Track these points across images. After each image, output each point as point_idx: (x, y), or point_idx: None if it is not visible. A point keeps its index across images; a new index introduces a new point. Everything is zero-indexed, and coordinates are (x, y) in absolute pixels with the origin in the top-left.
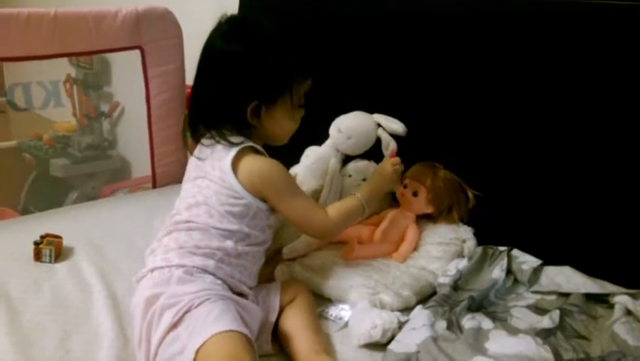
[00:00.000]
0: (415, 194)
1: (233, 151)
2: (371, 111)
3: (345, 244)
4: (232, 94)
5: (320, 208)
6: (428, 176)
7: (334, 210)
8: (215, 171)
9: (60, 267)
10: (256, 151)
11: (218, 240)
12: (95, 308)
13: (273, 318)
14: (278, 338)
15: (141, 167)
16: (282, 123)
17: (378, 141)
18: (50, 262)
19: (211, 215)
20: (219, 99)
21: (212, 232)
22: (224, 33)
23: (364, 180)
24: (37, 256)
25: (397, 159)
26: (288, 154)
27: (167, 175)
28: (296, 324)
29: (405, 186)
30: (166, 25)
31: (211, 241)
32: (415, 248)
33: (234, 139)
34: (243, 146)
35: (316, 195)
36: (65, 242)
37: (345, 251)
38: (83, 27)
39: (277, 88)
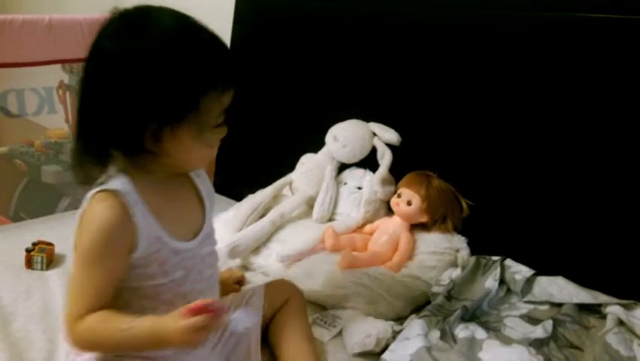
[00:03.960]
0: (409, 203)
1: (92, 193)
2: (367, 120)
3: (341, 253)
4: (122, 112)
5: (87, 307)
6: (422, 185)
7: (92, 323)
8: None
9: (51, 274)
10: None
11: None
12: None
13: (257, 332)
14: (269, 344)
15: None
16: (191, 149)
17: (374, 149)
18: (42, 269)
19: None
20: (105, 119)
21: None
22: (115, 31)
23: (359, 188)
24: (29, 263)
25: (201, 319)
26: (283, 162)
27: None
28: (287, 332)
29: (399, 195)
30: None
31: None
32: (410, 257)
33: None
34: (101, 188)
35: (311, 201)
36: (57, 249)
37: (341, 260)
38: (78, 33)
39: (181, 104)
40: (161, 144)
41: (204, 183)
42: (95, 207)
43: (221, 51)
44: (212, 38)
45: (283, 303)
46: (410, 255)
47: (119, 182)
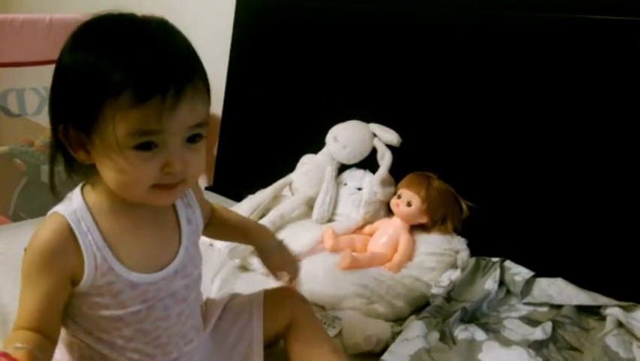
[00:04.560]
0: (409, 204)
1: (49, 213)
2: (367, 121)
3: (340, 253)
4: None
5: (18, 323)
6: (422, 186)
7: (9, 340)
8: None
9: None
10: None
11: None
12: None
13: (259, 357)
14: None
15: None
16: (104, 167)
17: (374, 150)
18: None
19: None
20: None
21: None
22: (67, 40)
23: (359, 189)
24: None
25: None
26: (283, 162)
27: None
28: (311, 354)
29: (399, 196)
30: None
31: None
32: (410, 258)
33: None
34: (55, 210)
35: (311, 202)
36: None
37: (341, 261)
38: None
39: (78, 105)
40: (87, 156)
41: (189, 207)
42: (42, 228)
43: (138, 56)
44: (137, 40)
45: (290, 320)
46: (410, 256)
47: (74, 206)
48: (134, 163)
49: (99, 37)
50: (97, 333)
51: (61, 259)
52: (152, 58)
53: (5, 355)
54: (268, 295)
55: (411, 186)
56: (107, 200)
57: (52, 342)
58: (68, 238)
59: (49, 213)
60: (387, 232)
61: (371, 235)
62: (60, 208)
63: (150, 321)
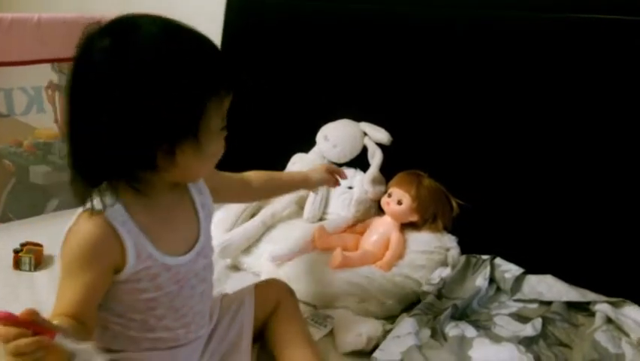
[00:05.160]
0: (400, 202)
1: (80, 210)
2: (358, 120)
3: (331, 252)
4: (132, 137)
5: (59, 312)
6: (413, 184)
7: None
8: None
9: (40, 276)
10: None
11: None
12: None
13: (248, 341)
14: (267, 352)
15: None
16: (201, 160)
17: (365, 149)
18: (30, 270)
19: None
20: (110, 147)
21: None
22: (105, 50)
23: (350, 187)
24: (17, 265)
25: None
26: (274, 161)
27: None
28: (288, 341)
29: (389, 195)
30: None
31: None
32: (401, 256)
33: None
34: (88, 207)
35: (302, 201)
36: (46, 251)
37: (332, 259)
38: (67, 33)
39: (191, 116)
40: (173, 160)
41: (201, 193)
42: (79, 224)
43: (215, 53)
44: (204, 41)
45: (275, 306)
46: (401, 254)
47: (106, 203)
48: (220, 143)
49: (174, 50)
50: (130, 314)
51: (102, 251)
52: (221, 54)
53: (7, 315)
54: (258, 284)
55: (401, 185)
56: (133, 196)
57: (88, 330)
58: (107, 230)
59: (78, 212)
60: (378, 231)
61: (362, 233)
62: (94, 206)
63: (179, 300)
